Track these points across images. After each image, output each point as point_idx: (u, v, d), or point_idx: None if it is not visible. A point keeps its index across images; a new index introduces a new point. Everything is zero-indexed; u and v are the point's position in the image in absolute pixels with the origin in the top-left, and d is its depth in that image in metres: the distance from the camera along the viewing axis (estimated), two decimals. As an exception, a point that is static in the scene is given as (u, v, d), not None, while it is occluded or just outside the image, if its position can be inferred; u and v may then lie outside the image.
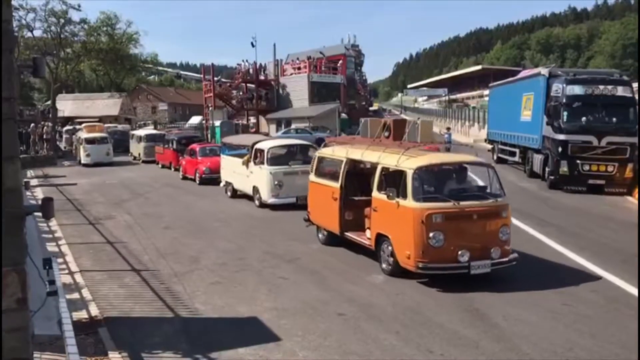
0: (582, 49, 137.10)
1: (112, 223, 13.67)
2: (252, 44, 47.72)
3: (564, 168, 16.99)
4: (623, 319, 7.00)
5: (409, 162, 8.45)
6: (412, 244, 8.06)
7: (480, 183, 9.18)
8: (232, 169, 17.11)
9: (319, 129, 40.66)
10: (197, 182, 20.60)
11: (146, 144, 30.46)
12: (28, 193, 16.61)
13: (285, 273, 9.11)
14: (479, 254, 8.06)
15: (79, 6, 41.48)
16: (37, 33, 42.79)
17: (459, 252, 7.96)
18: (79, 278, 9.04)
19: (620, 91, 17.02)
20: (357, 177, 10.32)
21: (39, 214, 3.86)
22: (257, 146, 15.49)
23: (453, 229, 8.04)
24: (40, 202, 3.86)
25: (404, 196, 8.22)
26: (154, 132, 36.03)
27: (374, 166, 9.41)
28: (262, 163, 14.97)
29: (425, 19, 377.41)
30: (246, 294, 8.13)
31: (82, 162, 28.86)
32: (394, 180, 8.73)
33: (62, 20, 41.67)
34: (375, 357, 5.98)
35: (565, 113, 17.12)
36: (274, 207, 14.73)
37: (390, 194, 8.30)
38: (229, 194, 17.30)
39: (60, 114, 50.38)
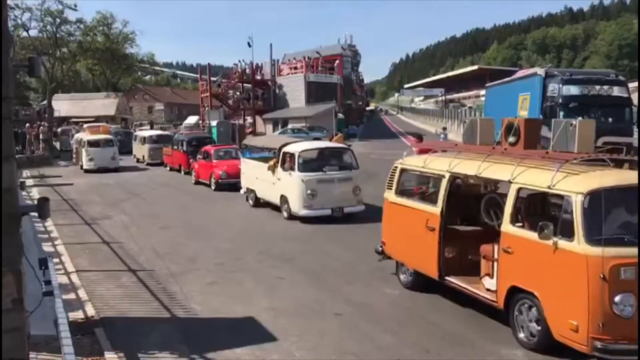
0: (578, 49, 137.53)
1: (109, 222, 13.64)
2: (248, 44, 47.76)
3: (560, 168, 17.01)
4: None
5: (574, 183, 5.74)
6: (583, 311, 5.32)
7: None
8: (255, 175, 15.32)
9: (315, 129, 40.68)
10: (213, 187, 18.84)
11: (151, 146, 28.77)
12: (24, 193, 16.58)
13: (282, 273, 9.10)
14: None
15: (75, 6, 41.52)
16: (33, 33, 42.84)
17: None
18: (75, 278, 9.02)
19: (616, 91, 17.10)
20: (458, 199, 7.65)
21: (35, 214, 3.85)
22: (286, 149, 13.57)
23: None
24: (36, 202, 3.85)
25: (568, 235, 5.52)
26: (160, 132, 33.92)
27: (486, 183, 7.47)
28: (292, 169, 13.06)
29: (421, 19, 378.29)
30: (243, 294, 8.12)
31: (85, 167, 26.13)
32: (537, 209, 6.59)
33: (58, 20, 41.71)
34: (372, 357, 5.99)
35: (561, 113, 17.16)
36: (304, 219, 12.90)
37: (546, 231, 5.55)
38: (250, 202, 15.51)
39: (56, 114, 50.25)
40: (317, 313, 7.27)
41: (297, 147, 13.50)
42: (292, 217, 13.13)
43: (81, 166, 26.84)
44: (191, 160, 22.39)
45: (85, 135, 28.04)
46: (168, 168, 25.96)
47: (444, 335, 6.47)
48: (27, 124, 33.17)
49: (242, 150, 16.88)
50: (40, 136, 33.02)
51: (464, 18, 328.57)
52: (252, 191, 15.49)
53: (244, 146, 17.08)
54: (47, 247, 10.90)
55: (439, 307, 7.42)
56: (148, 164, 28.04)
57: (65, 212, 14.91)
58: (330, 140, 36.14)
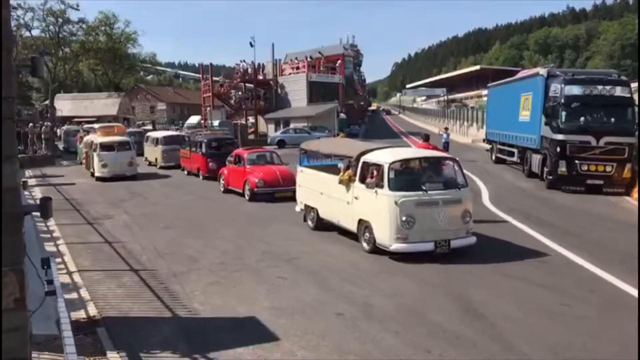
0: (580, 50, 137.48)
1: (111, 222, 13.65)
2: (250, 43, 47.80)
3: (562, 168, 17.01)
4: (621, 319, 7.01)
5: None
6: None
7: None
8: (317, 189, 12.00)
9: (317, 128, 40.73)
10: (247, 197, 16.42)
11: (165, 147, 26.36)
12: (26, 193, 16.60)
13: (284, 273, 9.11)
14: None
15: (77, 6, 41.69)
16: (36, 32, 43.05)
17: None
18: (77, 278, 9.03)
19: (619, 91, 17.04)
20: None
21: (37, 213, 3.86)
22: (368, 158, 10.41)
23: None
24: (38, 201, 3.85)
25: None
26: (173, 133, 31.67)
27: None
28: (379, 186, 9.76)
29: (423, 18, 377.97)
30: (245, 293, 8.13)
31: (97, 174, 22.35)
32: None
33: (60, 20, 41.86)
34: (373, 357, 5.99)
35: (563, 113, 17.14)
36: (394, 254, 9.68)
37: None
38: (310, 224, 12.29)
39: (58, 114, 50.41)
40: (319, 313, 7.27)
41: (384, 156, 10.23)
42: (375, 249, 9.90)
43: (92, 173, 23.30)
44: (210, 163, 20.88)
45: (96, 137, 24.05)
46: (185, 172, 23.62)
47: (446, 336, 6.47)
48: (30, 124, 33.19)
49: (300, 156, 13.54)
50: (43, 136, 33.08)
51: (466, 18, 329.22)
52: (313, 210, 12.25)
53: (302, 151, 13.46)
54: (49, 247, 10.91)
55: (441, 307, 7.42)
56: (161, 167, 25.86)
57: (68, 212, 14.93)
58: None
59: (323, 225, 11.94)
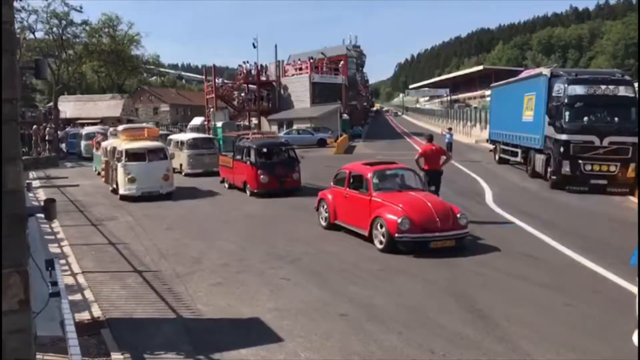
0: (583, 49, 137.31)
1: (114, 223, 13.66)
2: (253, 45, 47.92)
3: (566, 168, 16.97)
4: (625, 319, 6.98)
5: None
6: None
7: None
8: None
9: (320, 129, 40.74)
10: (379, 246, 10.38)
11: (191, 152, 23.32)
12: (30, 194, 16.64)
13: (287, 274, 9.11)
14: None
15: (81, 8, 41.76)
16: (39, 35, 43.09)
17: None
18: (81, 279, 9.06)
19: (622, 91, 17.00)
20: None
21: (42, 215, 3.87)
22: None
23: None
24: (42, 203, 3.86)
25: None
26: (201, 135, 28.20)
27: None
28: None
29: (426, 19, 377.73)
30: (248, 294, 8.13)
31: (122, 192, 17.25)
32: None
33: (63, 22, 41.89)
34: (377, 357, 5.98)
35: (567, 113, 17.11)
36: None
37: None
38: None
39: (62, 116, 50.53)
40: (322, 313, 7.27)
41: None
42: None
43: (114, 189, 18.29)
44: (262, 176, 17.05)
45: (120, 143, 18.36)
46: (226, 185, 19.51)
47: (449, 336, 6.46)
48: (34, 126, 33.30)
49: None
50: (47, 137, 33.20)
51: (469, 18, 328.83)
52: None
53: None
54: (53, 249, 10.96)
55: (445, 307, 7.41)
56: (186, 175, 22.90)
57: (72, 214, 14.97)
58: (336, 141, 36.48)
59: None
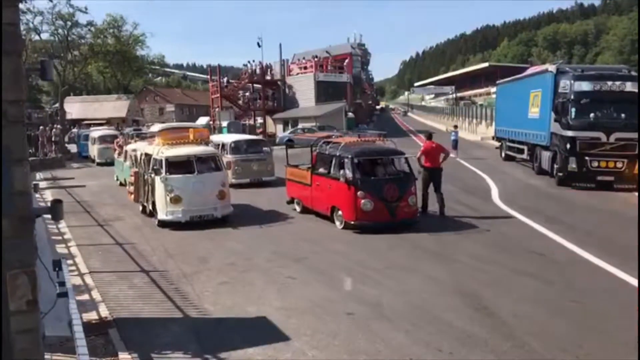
0: (589, 45, 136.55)
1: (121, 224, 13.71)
2: (258, 44, 47.96)
3: (572, 165, 16.90)
4: (634, 317, 6.94)
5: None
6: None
7: None
8: None
9: (325, 128, 40.74)
10: None
11: (237, 158, 18.93)
12: (37, 195, 16.68)
13: (293, 272, 9.11)
14: None
15: (86, 9, 41.88)
16: (45, 36, 43.29)
17: None
18: (88, 279, 9.10)
19: (629, 87, 16.90)
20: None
21: (49, 216, 3.89)
22: None
23: None
24: (49, 204, 3.88)
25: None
26: (248, 137, 23.35)
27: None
28: None
29: (431, 16, 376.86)
30: (254, 293, 8.14)
31: (161, 216, 12.83)
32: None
33: (69, 23, 42.05)
34: (384, 356, 5.98)
35: (573, 109, 17.03)
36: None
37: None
38: None
39: (68, 116, 50.76)
40: (329, 312, 7.27)
41: None
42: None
43: (148, 211, 13.96)
44: (363, 200, 11.52)
45: (155, 148, 13.69)
46: (298, 208, 14.06)
47: (456, 334, 6.45)
48: (41, 127, 33.44)
49: None
50: (53, 139, 33.32)
51: (473, 15, 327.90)
52: None
53: None
54: (60, 249, 11.01)
55: (451, 305, 7.40)
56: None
57: (78, 214, 15.02)
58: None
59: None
